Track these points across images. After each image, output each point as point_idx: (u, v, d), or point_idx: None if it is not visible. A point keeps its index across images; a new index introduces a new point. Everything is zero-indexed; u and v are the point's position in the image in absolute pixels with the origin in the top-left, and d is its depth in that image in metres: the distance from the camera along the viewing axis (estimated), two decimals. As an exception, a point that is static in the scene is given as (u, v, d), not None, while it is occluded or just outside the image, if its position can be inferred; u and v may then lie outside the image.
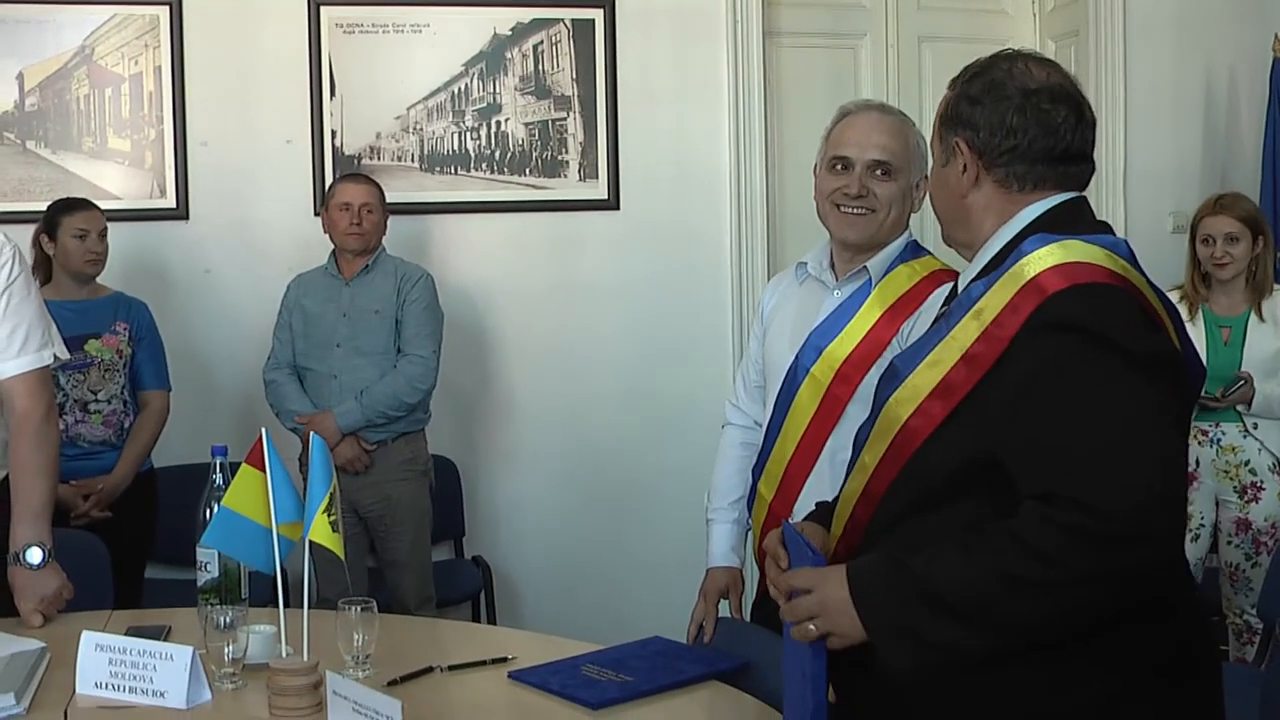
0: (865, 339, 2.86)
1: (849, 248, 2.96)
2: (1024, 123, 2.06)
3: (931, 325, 2.13)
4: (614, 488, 5.40)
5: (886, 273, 2.91)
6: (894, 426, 2.03)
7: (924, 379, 2.00)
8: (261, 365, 4.74)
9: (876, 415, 2.10)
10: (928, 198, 2.36)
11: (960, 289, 2.12)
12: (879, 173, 2.90)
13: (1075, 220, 2.06)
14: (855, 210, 2.90)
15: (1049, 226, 2.02)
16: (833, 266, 3.00)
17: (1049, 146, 2.07)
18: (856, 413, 2.81)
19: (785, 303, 3.10)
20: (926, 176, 2.87)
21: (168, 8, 4.99)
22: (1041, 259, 1.93)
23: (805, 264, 3.08)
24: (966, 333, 1.96)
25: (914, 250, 2.96)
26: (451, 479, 5.20)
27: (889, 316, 2.86)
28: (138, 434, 4.46)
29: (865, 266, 2.93)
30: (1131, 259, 1.98)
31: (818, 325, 2.93)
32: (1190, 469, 4.55)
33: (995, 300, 1.94)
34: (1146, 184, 5.77)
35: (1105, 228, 2.08)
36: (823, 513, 2.28)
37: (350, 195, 4.60)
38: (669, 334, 5.40)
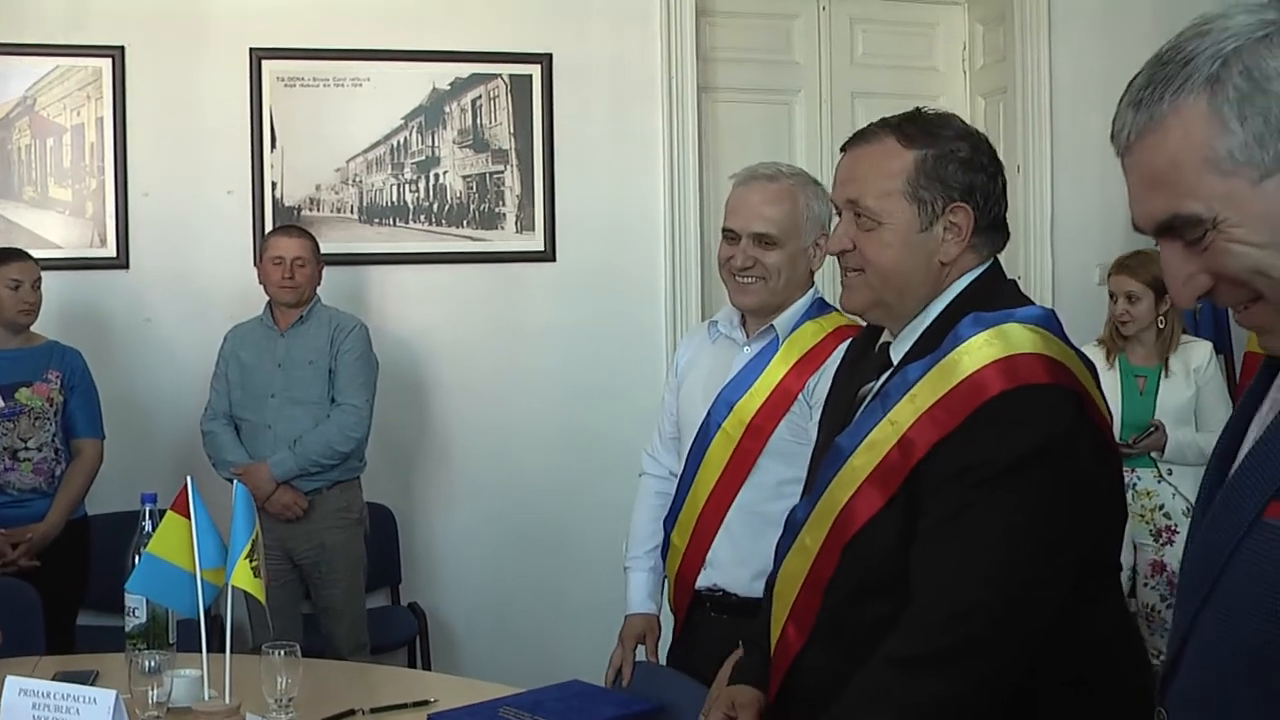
0: (774, 393, 2.95)
1: (748, 311, 3.06)
2: (1000, 190, 2.09)
3: (869, 401, 2.12)
4: (549, 533, 5.46)
5: (793, 329, 3.00)
6: (834, 510, 2.05)
7: (862, 461, 2.02)
8: (200, 414, 4.78)
9: (818, 497, 2.11)
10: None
11: (894, 360, 2.11)
12: (763, 243, 2.96)
13: (999, 287, 2.10)
14: (746, 280, 2.99)
15: (977, 299, 2.04)
16: (743, 324, 3.10)
17: (1002, 211, 2.12)
18: (768, 465, 2.92)
19: (699, 358, 3.19)
20: (826, 234, 2.96)
21: (110, 59, 5.04)
22: (980, 351, 1.94)
23: (717, 322, 3.17)
24: (902, 416, 1.98)
25: (820, 307, 3.04)
26: (388, 526, 5.24)
27: (796, 371, 2.94)
28: (69, 482, 4.46)
29: (773, 325, 3.02)
30: (1058, 330, 2.00)
31: (729, 381, 3.02)
32: None
33: (930, 389, 1.96)
34: (1072, 236, 5.90)
35: (1015, 287, 2.13)
36: (754, 664, 2.31)
37: (283, 249, 4.66)
38: (604, 382, 5.47)
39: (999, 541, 1.87)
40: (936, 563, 1.92)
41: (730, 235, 3.01)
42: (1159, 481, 4.71)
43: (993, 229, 2.10)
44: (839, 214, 2.16)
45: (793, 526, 2.17)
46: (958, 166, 2.06)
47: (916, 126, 2.09)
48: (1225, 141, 1.28)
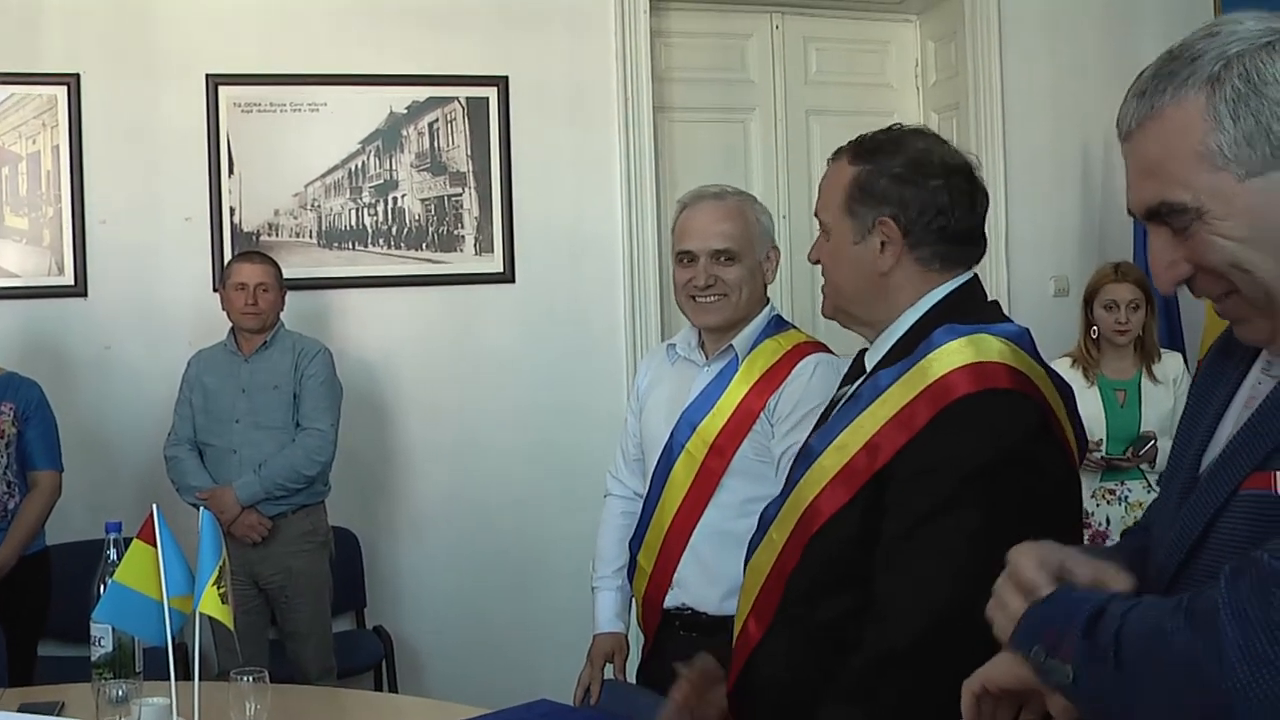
0: (736, 413, 2.97)
1: (712, 330, 3.09)
2: (951, 203, 2.10)
3: (842, 404, 2.15)
4: (514, 554, 5.46)
5: (752, 348, 3.03)
6: (802, 505, 2.08)
7: (831, 462, 2.05)
8: (162, 441, 4.77)
9: (788, 494, 2.14)
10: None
11: (868, 367, 2.15)
12: (723, 259, 3.01)
13: (974, 303, 2.13)
14: (708, 299, 3.02)
15: (952, 312, 2.07)
16: (701, 346, 3.13)
17: (970, 226, 2.13)
18: (733, 484, 2.94)
19: (660, 380, 3.22)
20: (775, 247, 3.02)
21: (66, 87, 5.03)
22: (948, 357, 1.97)
23: (674, 345, 3.20)
24: (872, 420, 2.01)
25: (777, 324, 3.08)
26: (353, 550, 5.24)
27: (758, 390, 2.97)
28: (24, 514, 4.37)
29: (731, 344, 3.05)
30: (1031, 348, 2.04)
31: (690, 402, 3.05)
32: (1101, 528, 4.75)
33: (900, 393, 1.99)
34: (1027, 250, 5.97)
35: (997, 308, 2.16)
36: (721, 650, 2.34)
37: (245, 275, 4.66)
38: (566, 402, 5.49)
39: (960, 546, 1.89)
40: (898, 566, 1.95)
41: (687, 257, 3.04)
42: (1149, 492, 4.72)
43: (946, 242, 2.12)
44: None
45: (763, 524, 2.20)
46: (890, 181, 2.10)
47: (866, 145, 2.16)
48: (1217, 138, 1.37)
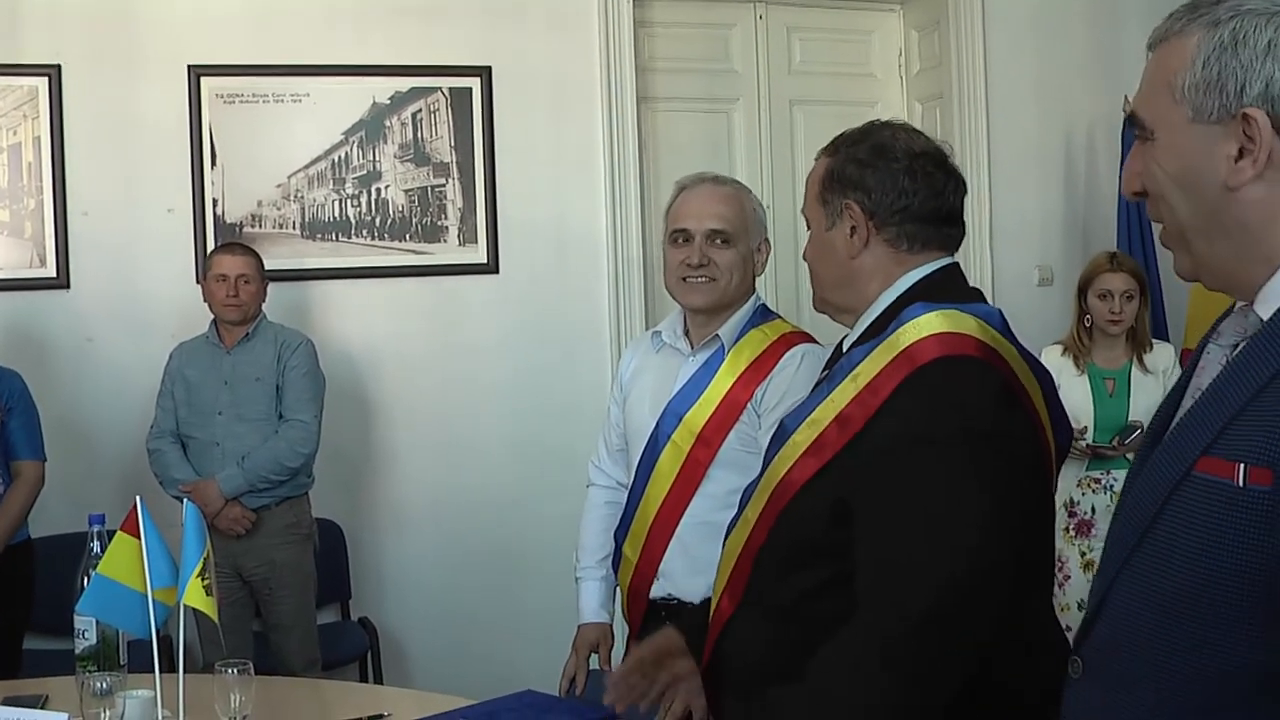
0: (722, 403, 2.98)
1: (699, 314, 3.08)
2: (914, 184, 2.13)
3: (815, 386, 2.18)
4: (498, 544, 5.46)
5: (739, 338, 3.03)
6: (774, 482, 2.10)
7: (803, 436, 2.07)
8: (145, 433, 4.76)
9: (763, 473, 2.16)
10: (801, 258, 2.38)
11: (845, 350, 2.17)
12: (718, 241, 3.02)
13: (952, 286, 2.14)
14: (699, 279, 3.02)
15: (929, 292, 2.09)
16: (687, 334, 3.13)
17: (936, 208, 2.15)
18: (719, 475, 2.94)
19: (644, 369, 3.21)
20: (767, 240, 3.03)
21: (46, 78, 5.01)
22: (918, 328, 2.00)
23: (660, 332, 3.20)
24: (844, 394, 2.03)
25: (763, 314, 3.08)
26: (337, 541, 5.23)
27: (744, 380, 2.97)
28: (8, 505, 4.33)
29: (718, 334, 3.05)
30: (1004, 329, 2.06)
31: (676, 392, 3.04)
32: (1087, 517, 4.76)
33: (871, 366, 2.01)
34: (1012, 239, 5.98)
35: (978, 295, 2.17)
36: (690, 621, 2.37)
37: (226, 267, 4.65)
38: (549, 393, 5.49)
39: (938, 511, 1.90)
40: (874, 536, 1.95)
41: (682, 236, 3.05)
42: None
43: (912, 221, 2.14)
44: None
45: (742, 503, 2.22)
46: (855, 167, 2.15)
47: (839, 139, 2.22)
48: (1186, 75, 1.45)
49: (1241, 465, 1.35)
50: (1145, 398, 4.76)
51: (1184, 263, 1.53)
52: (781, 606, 2.07)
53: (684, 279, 3.04)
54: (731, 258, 3.02)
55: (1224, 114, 1.42)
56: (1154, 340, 4.93)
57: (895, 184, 2.13)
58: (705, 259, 3.01)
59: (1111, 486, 4.75)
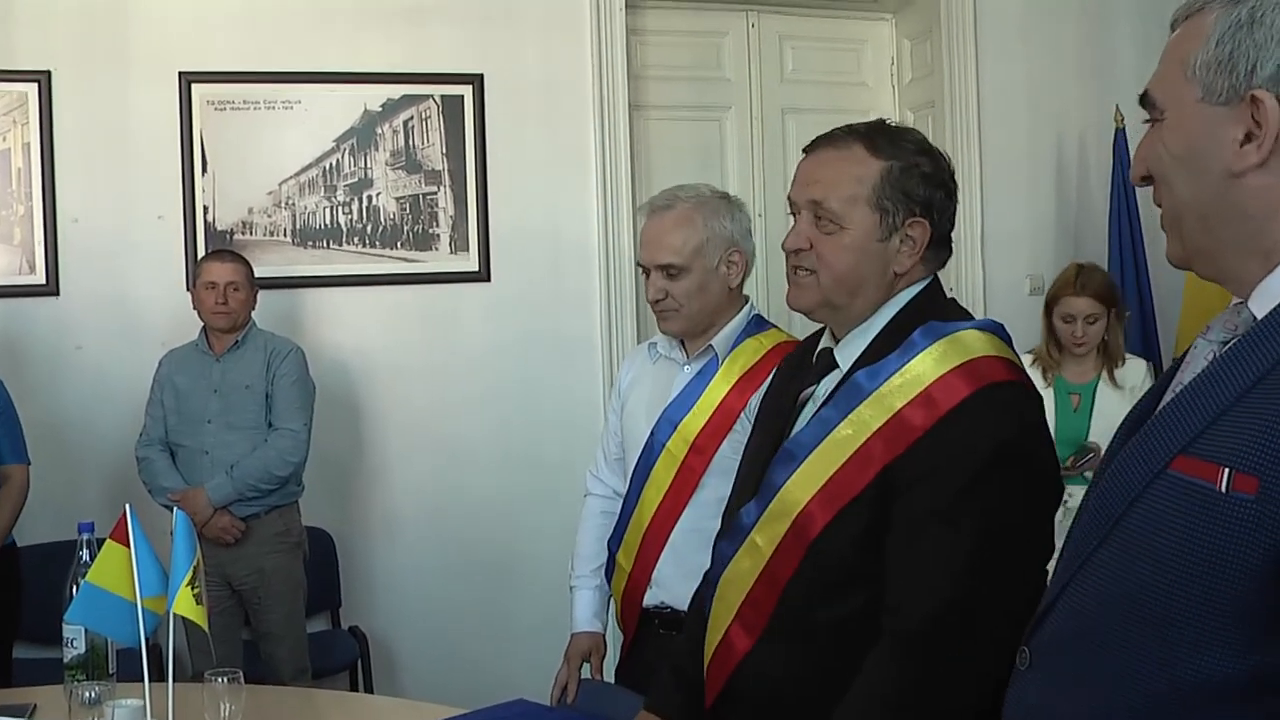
0: (717, 412, 2.97)
1: (675, 337, 3.11)
2: (953, 209, 2.14)
3: (821, 405, 2.14)
4: (489, 553, 5.44)
5: (733, 347, 3.03)
6: (792, 510, 2.07)
7: (821, 464, 2.05)
8: (134, 441, 4.74)
9: (770, 499, 2.12)
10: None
11: (841, 364, 2.15)
12: (669, 274, 3.00)
13: (945, 302, 2.16)
14: (662, 310, 3.04)
15: (930, 309, 2.10)
16: (682, 345, 3.12)
17: (950, 229, 2.16)
18: (713, 483, 2.93)
19: (641, 378, 3.21)
20: (739, 249, 2.99)
21: (36, 84, 4.99)
22: (942, 357, 2.00)
23: (656, 343, 3.20)
24: (862, 424, 2.02)
25: (758, 324, 3.08)
26: (327, 550, 5.22)
27: (739, 389, 2.97)
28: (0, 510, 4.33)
29: (711, 344, 3.04)
30: (1009, 342, 2.08)
31: (671, 401, 3.04)
32: None
33: (897, 396, 2.00)
34: (1003, 248, 5.98)
35: (955, 303, 2.18)
36: (670, 688, 2.36)
37: (215, 274, 4.63)
38: (540, 400, 5.48)
39: (979, 542, 1.92)
40: (914, 568, 1.96)
41: (643, 269, 3.07)
42: None
43: (940, 245, 2.15)
44: (795, 213, 2.18)
45: (739, 529, 2.18)
46: (920, 180, 2.10)
47: (884, 137, 2.13)
48: (1200, 53, 1.40)
49: (1226, 470, 1.29)
50: (1111, 414, 4.67)
51: (1175, 248, 1.49)
52: (814, 636, 2.05)
53: (654, 308, 3.07)
54: (686, 287, 2.99)
55: (1233, 95, 1.38)
56: (1128, 355, 4.84)
57: (950, 207, 2.13)
58: (662, 293, 3.01)
59: (1066, 501, 4.68)
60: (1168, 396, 1.47)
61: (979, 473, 1.94)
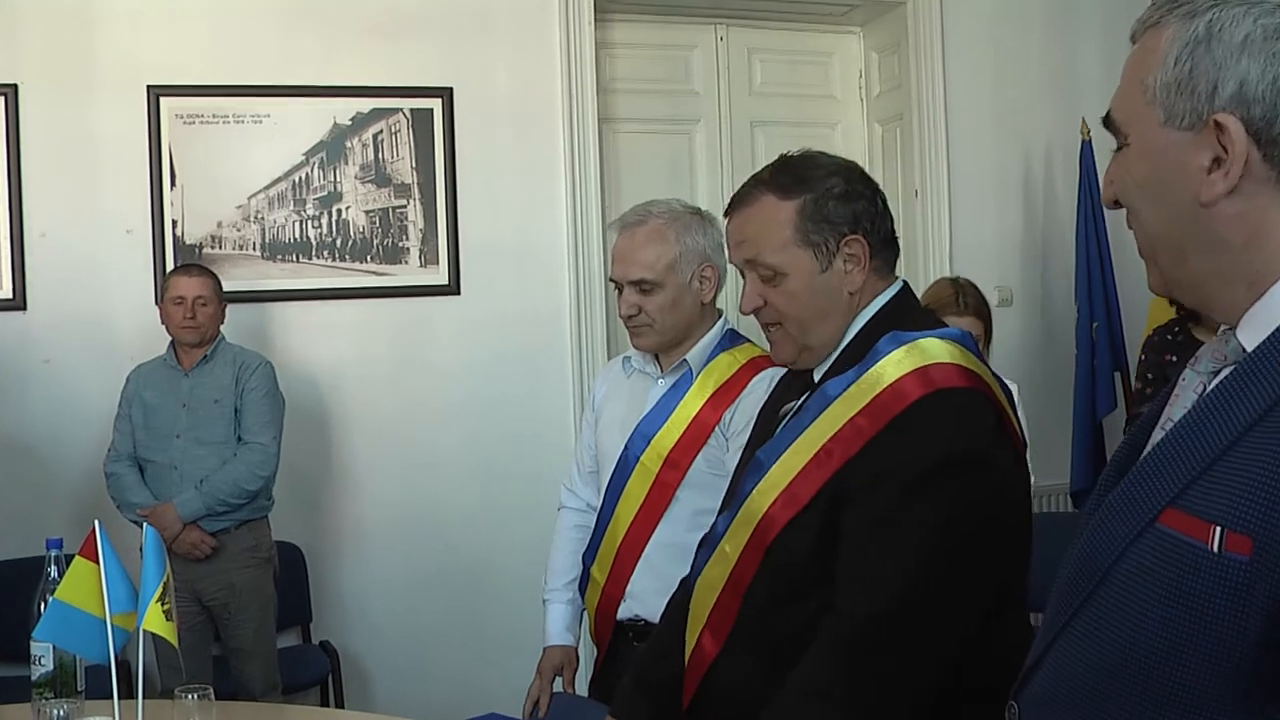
0: (691, 426, 2.98)
1: (648, 352, 3.11)
2: (882, 206, 2.16)
3: (790, 417, 2.17)
4: (460, 567, 5.43)
5: (707, 362, 3.03)
6: (756, 516, 2.09)
7: (781, 473, 2.07)
8: (103, 456, 4.71)
9: (738, 507, 2.15)
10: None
11: (816, 378, 2.18)
12: (642, 290, 3.01)
13: (915, 310, 2.19)
14: (635, 326, 3.05)
15: (897, 319, 2.11)
16: (656, 359, 3.13)
17: (890, 227, 2.18)
18: (687, 497, 2.94)
19: (615, 392, 3.22)
20: (712, 264, 3.01)
21: (3, 98, 4.95)
22: (899, 363, 2.01)
23: (630, 358, 3.20)
24: (822, 430, 2.04)
25: (732, 338, 3.08)
26: (298, 564, 5.19)
27: (713, 403, 2.98)
28: None
29: (685, 359, 3.05)
30: (975, 350, 2.09)
31: (645, 415, 3.05)
32: None
33: (852, 402, 2.02)
34: (971, 259, 5.98)
35: (930, 314, 2.22)
36: (634, 698, 2.36)
37: (183, 289, 4.61)
38: (511, 415, 5.47)
39: (921, 546, 1.92)
40: (856, 568, 1.97)
41: (615, 285, 3.08)
42: None
43: (889, 246, 2.18)
44: (743, 275, 2.23)
45: (712, 539, 2.21)
46: (837, 202, 2.13)
47: (789, 176, 2.17)
48: (1158, 74, 1.32)
49: (1217, 528, 1.20)
50: None
51: (1155, 278, 1.41)
52: (774, 642, 2.07)
53: (627, 324, 3.07)
54: (659, 302, 3.00)
55: (1195, 119, 1.29)
56: (999, 376, 4.66)
57: (876, 210, 2.14)
58: (635, 308, 3.02)
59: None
60: (1157, 434, 1.38)
61: (924, 476, 1.94)
